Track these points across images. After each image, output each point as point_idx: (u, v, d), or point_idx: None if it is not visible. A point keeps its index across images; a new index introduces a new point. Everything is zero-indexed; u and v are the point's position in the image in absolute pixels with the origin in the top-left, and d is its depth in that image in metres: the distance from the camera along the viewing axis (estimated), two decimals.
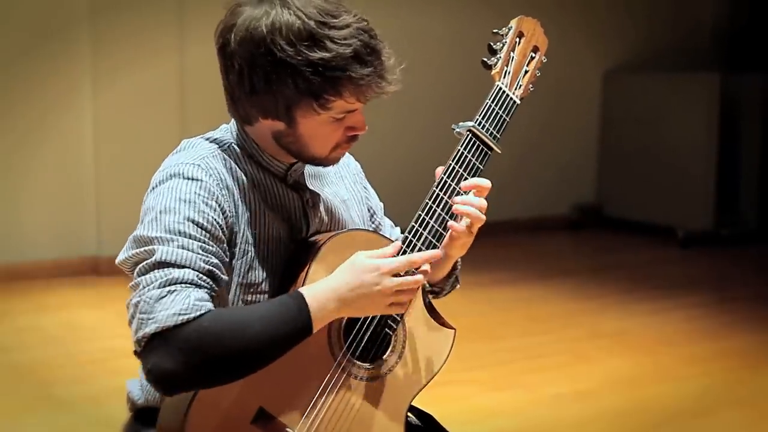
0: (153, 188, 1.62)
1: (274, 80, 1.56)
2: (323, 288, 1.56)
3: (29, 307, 5.07)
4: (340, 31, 1.55)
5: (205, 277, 1.52)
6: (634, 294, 5.38)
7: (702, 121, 6.78)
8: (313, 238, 1.70)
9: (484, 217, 1.66)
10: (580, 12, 7.18)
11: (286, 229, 1.68)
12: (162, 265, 1.51)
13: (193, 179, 1.59)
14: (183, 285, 1.49)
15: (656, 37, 7.56)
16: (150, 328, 1.46)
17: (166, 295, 1.47)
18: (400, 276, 1.57)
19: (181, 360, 1.45)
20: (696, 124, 6.82)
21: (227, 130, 1.73)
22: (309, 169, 1.77)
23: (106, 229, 5.73)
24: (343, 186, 1.84)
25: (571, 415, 3.60)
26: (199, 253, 1.53)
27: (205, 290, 1.51)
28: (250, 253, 1.63)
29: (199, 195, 1.58)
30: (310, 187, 1.75)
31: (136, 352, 1.50)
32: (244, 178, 1.66)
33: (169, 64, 5.81)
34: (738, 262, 6.49)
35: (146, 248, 1.54)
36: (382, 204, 1.94)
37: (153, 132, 5.72)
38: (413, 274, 1.59)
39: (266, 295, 1.65)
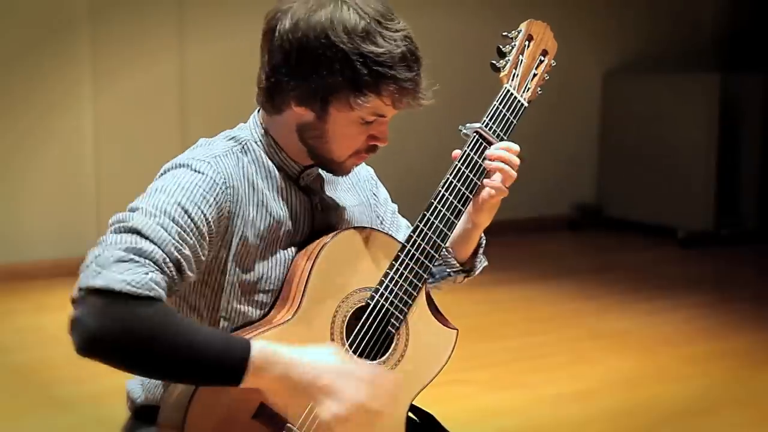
0: (161, 174, 1.63)
1: (322, 64, 1.58)
2: (302, 366, 1.47)
3: (29, 307, 5.08)
4: (392, 33, 1.60)
5: (170, 264, 1.49)
6: (634, 294, 5.39)
7: (702, 122, 6.78)
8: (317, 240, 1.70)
9: (515, 174, 1.71)
10: (580, 12, 7.18)
11: (290, 231, 1.69)
12: (135, 231, 1.48)
13: (198, 172, 1.60)
14: (146, 260, 1.46)
15: (656, 37, 7.56)
16: (96, 282, 1.41)
17: (126, 261, 1.44)
18: None
19: (108, 326, 1.39)
20: (696, 124, 6.83)
21: (245, 128, 1.73)
22: (324, 175, 1.77)
23: (106, 229, 5.73)
24: (354, 193, 1.85)
25: (571, 415, 3.60)
26: (174, 238, 1.50)
27: (165, 277, 1.48)
28: (248, 254, 1.63)
29: (199, 186, 1.57)
30: (327, 193, 1.76)
31: (72, 298, 1.44)
32: (257, 177, 1.66)
33: (169, 65, 5.81)
34: (738, 262, 6.49)
35: (129, 213, 1.52)
36: (395, 206, 1.94)
37: (153, 132, 5.72)
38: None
39: (264, 295, 1.65)
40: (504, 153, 1.71)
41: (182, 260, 1.50)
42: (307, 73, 1.59)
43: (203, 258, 1.57)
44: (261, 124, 1.71)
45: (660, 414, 3.62)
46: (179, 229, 1.51)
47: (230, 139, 1.70)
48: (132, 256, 1.45)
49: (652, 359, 4.28)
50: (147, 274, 1.44)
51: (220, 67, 5.72)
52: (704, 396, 3.82)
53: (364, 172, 1.91)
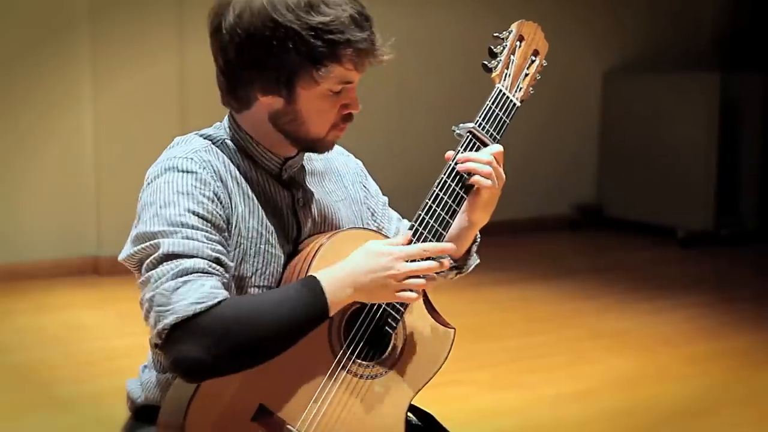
0: (148, 184, 1.63)
1: (275, 48, 1.58)
2: (338, 272, 1.57)
3: (29, 307, 5.07)
4: None
5: (215, 265, 1.54)
6: (634, 294, 5.39)
7: (702, 121, 6.78)
8: (310, 238, 1.70)
9: (488, 169, 1.67)
10: (580, 12, 7.18)
11: (276, 227, 1.69)
12: (170, 257, 1.52)
13: (188, 171, 1.60)
14: (196, 274, 1.50)
15: (656, 37, 7.56)
16: (170, 320, 1.47)
17: (180, 286, 1.49)
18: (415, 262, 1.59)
19: (203, 348, 1.47)
20: (696, 124, 6.82)
21: (220, 127, 1.74)
22: (308, 167, 1.77)
23: (106, 229, 5.73)
24: (341, 185, 1.85)
25: (571, 415, 3.60)
26: (204, 242, 1.54)
27: (217, 277, 1.53)
28: (242, 246, 1.64)
29: (195, 186, 1.59)
30: (308, 186, 1.76)
31: (157, 345, 1.52)
32: (237, 173, 1.67)
33: (169, 64, 5.81)
34: (738, 262, 6.49)
35: (151, 243, 1.54)
36: (386, 198, 1.94)
37: (153, 132, 5.72)
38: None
39: (258, 290, 1.66)
40: (472, 165, 1.67)
41: (221, 256, 1.56)
42: (263, 60, 1.60)
43: (228, 247, 1.61)
44: (234, 121, 1.71)
45: (660, 414, 3.62)
46: (203, 233, 1.55)
47: (206, 138, 1.70)
48: (182, 279, 1.50)
49: (652, 359, 4.28)
50: (203, 285, 1.49)
51: None
52: (704, 396, 3.82)
53: (352, 164, 1.90)
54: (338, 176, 1.85)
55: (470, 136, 1.70)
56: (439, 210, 1.66)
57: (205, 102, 5.82)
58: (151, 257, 1.53)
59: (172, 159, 1.63)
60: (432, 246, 1.62)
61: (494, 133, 1.71)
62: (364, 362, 1.65)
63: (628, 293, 5.41)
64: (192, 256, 1.52)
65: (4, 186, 5.61)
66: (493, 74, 1.76)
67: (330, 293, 1.55)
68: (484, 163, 1.67)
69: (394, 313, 1.65)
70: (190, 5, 5.77)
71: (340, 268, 1.58)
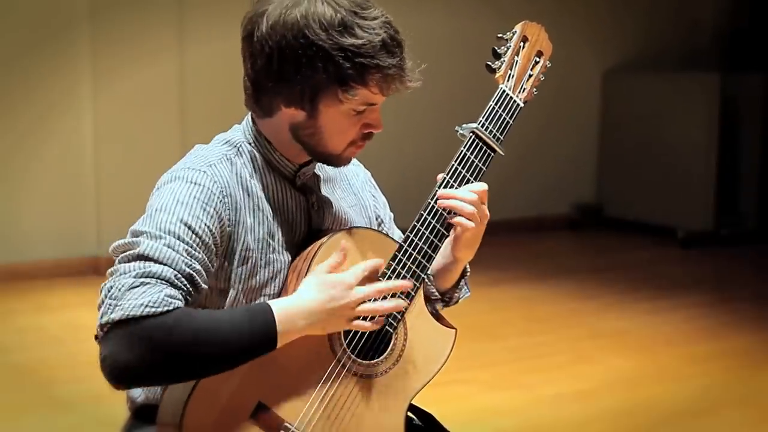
0: (158, 188, 1.63)
1: (304, 64, 1.58)
2: (293, 304, 1.55)
3: (29, 307, 5.07)
4: (370, 22, 1.59)
5: (183, 279, 1.51)
6: (634, 294, 5.39)
7: (702, 121, 6.78)
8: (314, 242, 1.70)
9: (470, 209, 1.65)
10: (580, 12, 7.18)
11: (288, 232, 1.69)
12: (143, 257, 1.50)
13: (195, 183, 1.60)
14: (158, 280, 1.48)
15: (656, 37, 7.56)
16: (115, 315, 1.45)
17: (138, 286, 1.47)
18: (371, 300, 1.58)
19: (137, 353, 1.44)
20: (696, 124, 6.82)
21: (239, 130, 1.74)
22: (320, 174, 1.77)
23: (106, 229, 5.73)
24: (351, 193, 1.85)
25: (571, 415, 3.61)
26: (183, 256, 1.52)
27: (181, 291, 1.50)
28: (251, 260, 1.64)
29: (197, 200, 1.58)
30: (323, 192, 1.76)
31: (96, 337, 1.49)
32: (252, 180, 1.67)
33: (169, 64, 5.81)
34: (738, 262, 6.49)
35: (135, 239, 1.54)
36: (392, 214, 1.94)
37: (153, 132, 5.72)
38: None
39: (267, 298, 1.65)
40: (456, 192, 1.66)
41: (194, 274, 1.53)
42: (290, 74, 1.59)
43: (213, 268, 1.59)
44: (254, 125, 1.71)
45: (660, 414, 3.62)
46: (186, 246, 1.53)
47: (225, 143, 1.70)
48: (143, 280, 1.47)
49: (652, 359, 4.28)
50: (161, 291, 1.46)
51: (220, 67, 5.71)
52: (704, 396, 3.82)
53: (362, 174, 1.91)
54: (348, 184, 1.85)
55: (473, 137, 1.70)
56: (440, 209, 1.66)
57: (205, 102, 5.86)
58: (128, 252, 1.52)
59: (185, 169, 1.63)
60: (385, 285, 1.60)
61: (497, 134, 1.71)
62: (364, 361, 1.65)
63: (628, 293, 5.41)
64: (163, 264, 1.50)
65: (4, 186, 5.61)
66: (497, 75, 1.76)
67: (281, 323, 1.53)
68: (467, 202, 1.66)
69: (395, 312, 1.65)
70: (190, 5, 5.77)
71: (296, 301, 1.56)
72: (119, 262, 1.52)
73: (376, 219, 1.88)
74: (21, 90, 5.57)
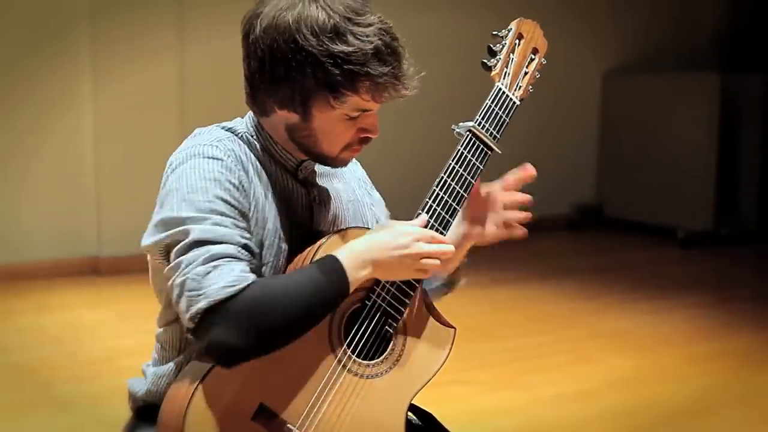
0: (173, 169, 1.63)
1: (293, 69, 1.58)
2: (357, 250, 1.59)
3: (29, 307, 5.08)
4: (363, 29, 1.58)
5: (243, 251, 1.56)
6: (634, 294, 5.39)
7: (702, 121, 6.78)
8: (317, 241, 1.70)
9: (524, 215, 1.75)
10: (580, 12, 7.18)
11: (290, 222, 1.69)
12: (200, 243, 1.53)
13: (214, 158, 1.62)
14: (225, 259, 1.52)
15: (656, 37, 7.56)
16: (202, 304, 1.49)
17: (211, 271, 1.50)
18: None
19: (236, 331, 1.48)
20: (696, 124, 6.82)
21: (241, 123, 1.75)
22: (318, 168, 1.78)
23: (106, 229, 5.73)
24: (349, 188, 1.86)
25: (571, 415, 3.60)
26: (233, 229, 1.56)
27: (246, 263, 1.54)
28: (258, 236, 1.65)
29: (222, 173, 1.60)
30: (323, 185, 1.77)
31: (189, 329, 1.53)
32: (258, 164, 1.68)
33: (169, 64, 5.81)
34: (738, 262, 6.49)
35: (180, 229, 1.56)
36: (388, 212, 1.95)
37: (153, 132, 5.72)
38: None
39: None
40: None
41: (249, 243, 1.58)
42: (281, 78, 1.60)
43: (252, 234, 1.62)
44: (255, 119, 1.72)
45: (660, 414, 3.62)
46: (232, 220, 1.57)
47: (227, 130, 1.71)
48: (213, 263, 1.51)
49: (652, 359, 4.28)
50: (233, 269, 1.51)
51: (220, 67, 5.71)
52: (704, 396, 3.82)
53: (359, 171, 1.91)
54: (346, 180, 1.86)
55: (470, 135, 1.70)
56: (439, 209, 1.67)
57: (205, 102, 5.86)
58: (181, 243, 1.54)
59: (198, 146, 1.64)
60: (440, 238, 1.64)
61: (494, 132, 1.71)
62: (364, 361, 1.65)
63: (628, 293, 5.41)
64: (221, 243, 1.53)
65: (4, 186, 5.61)
66: (493, 73, 1.75)
67: (350, 268, 1.57)
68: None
69: (394, 312, 1.65)
70: (190, 5, 5.77)
71: (360, 245, 1.59)
72: (176, 256, 1.54)
73: (373, 216, 1.88)
74: (21, 90, 5.57)
